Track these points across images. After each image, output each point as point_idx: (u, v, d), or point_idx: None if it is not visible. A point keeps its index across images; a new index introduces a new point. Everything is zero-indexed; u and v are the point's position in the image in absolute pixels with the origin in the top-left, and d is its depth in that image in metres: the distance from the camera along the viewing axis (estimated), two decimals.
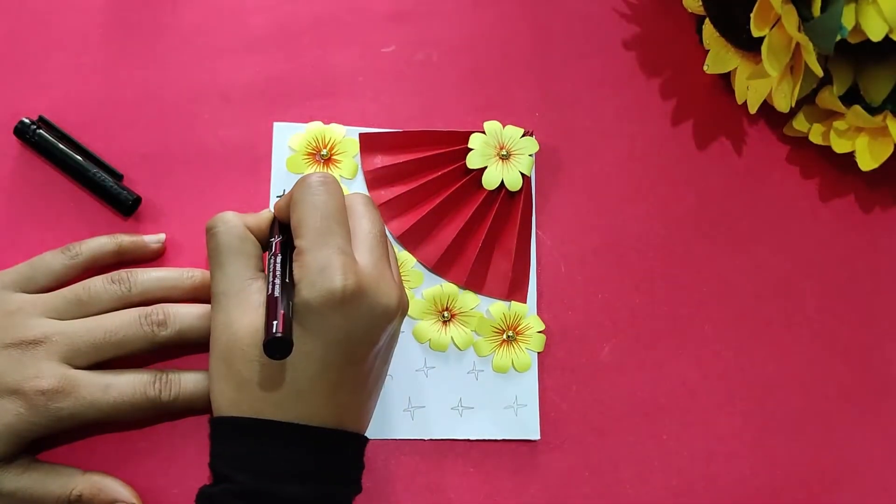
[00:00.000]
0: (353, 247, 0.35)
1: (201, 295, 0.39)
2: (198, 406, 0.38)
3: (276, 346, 0.31)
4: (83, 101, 0.43)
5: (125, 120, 0.43)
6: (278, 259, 0.35)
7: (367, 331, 0.34)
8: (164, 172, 0.43)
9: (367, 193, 0.37)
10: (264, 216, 0.38)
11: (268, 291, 0.33)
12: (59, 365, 0.36)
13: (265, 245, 0.37)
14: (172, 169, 0.43)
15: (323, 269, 0.33)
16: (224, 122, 0.44)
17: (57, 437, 0.38)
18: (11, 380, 0.35)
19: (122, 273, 0.38)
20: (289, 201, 0.36)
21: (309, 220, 0.34)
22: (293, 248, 0.35)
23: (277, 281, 0.33)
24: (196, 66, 0.45)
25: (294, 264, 0.34)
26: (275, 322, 0.31)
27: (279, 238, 0.36)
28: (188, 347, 0.39)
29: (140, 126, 0.43)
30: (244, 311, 0.34)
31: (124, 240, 0.40)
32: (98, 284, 0.38)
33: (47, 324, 0.36)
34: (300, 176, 0.43)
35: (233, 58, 0.45)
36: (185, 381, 0.38)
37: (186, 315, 0.38)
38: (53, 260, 0.39)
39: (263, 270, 0.36)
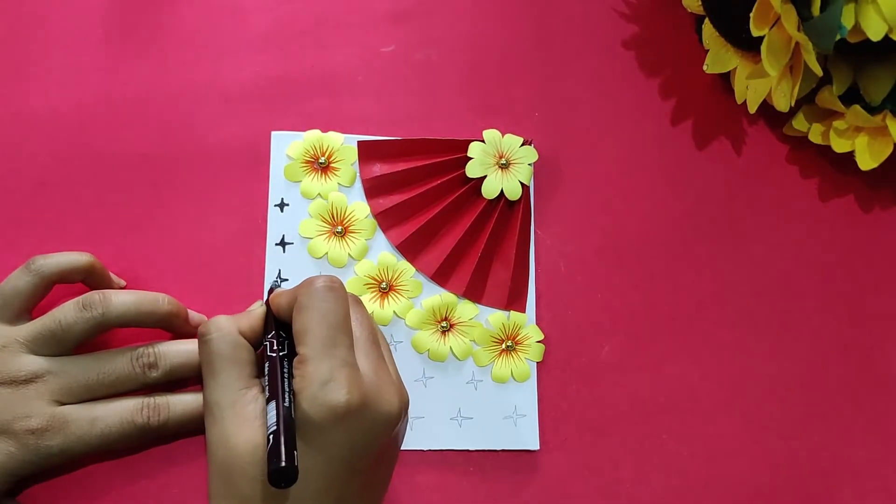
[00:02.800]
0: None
1: (175, 322, 0.39)
2: (189, 428, 0.38)
3: (282, 476, 0.30)
4: (83, 101, 0.43)
5: (125, 120, 0.43)
6: (277, 367, 0.34)
7: (370, 442, 0.33)
8: (164, 172, 0.43)
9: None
10: (257, 315, 0.37)
11: (267, 405, 0.32)
12: (49, 404, 0.36)
13: (258, 344, 0.36)
14: (172, 169, 0.43)
15: (326, 382, 0.31)
16: (224, 123, 0.44)
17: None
18: (1, 419, 0.35)
19: (94, 296, 0.37)
20: (290, 301, 0.35)
21: (315, 329, 0.33)
22: (291, 349, 0.34)
23: (279, 398, 0.32)
24: (196, 66, 0.45)
25: (295, 371, 0.33)
26: (282, 450, 0.30)
27: (275, 339, 0.35)
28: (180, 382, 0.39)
29: (140, 126, 0.43)
30: (241, 425, 0.33)
31: (96, 264, 0.39)
32: (70, 314, 0.36)
33: (37, 362, 0.36)
34: (298, 185, 0.43)
35: (233, 58, 0.45)
36: (174, 404, 0.37)
37: (175, 355, 0.38)
38: (18, 281, 0.37)
39: (257, 375, 0.35)
